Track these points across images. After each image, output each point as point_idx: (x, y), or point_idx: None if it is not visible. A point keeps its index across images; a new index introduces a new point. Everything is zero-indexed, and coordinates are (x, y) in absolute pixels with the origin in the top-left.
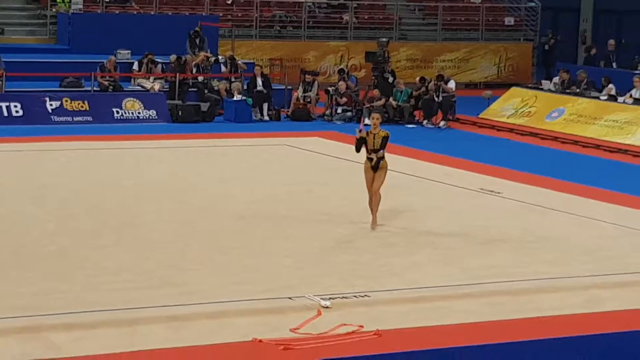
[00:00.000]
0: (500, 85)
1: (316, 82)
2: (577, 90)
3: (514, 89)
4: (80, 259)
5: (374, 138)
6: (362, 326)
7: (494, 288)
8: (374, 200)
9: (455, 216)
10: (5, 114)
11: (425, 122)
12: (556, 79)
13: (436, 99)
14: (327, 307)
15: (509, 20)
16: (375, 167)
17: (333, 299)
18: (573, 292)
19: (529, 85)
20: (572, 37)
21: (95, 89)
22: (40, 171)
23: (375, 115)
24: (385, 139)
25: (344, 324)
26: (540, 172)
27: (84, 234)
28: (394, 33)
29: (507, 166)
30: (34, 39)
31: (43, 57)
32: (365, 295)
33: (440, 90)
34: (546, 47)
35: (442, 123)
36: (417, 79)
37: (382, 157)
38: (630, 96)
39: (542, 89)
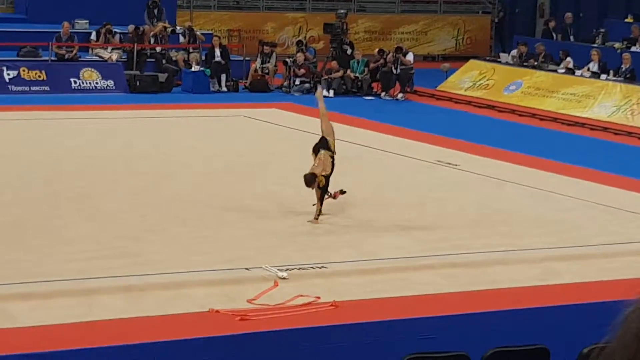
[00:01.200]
0: (459, 58)
1: (274, 54)
2: (535, 63)
3: (472, 62)
4: (36, 229)
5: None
6: (318, 297)
7: (450, 260)
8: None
9: (412, 188)
10: None
11: (383, 94)
12: (514, 52)
13: (394, 71)
14: (283, 278)
15: None
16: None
17: (290, 270)
18: (529, 264)
19: (487, 58)
20: (530, 10)
21: (52, 58)
22: None
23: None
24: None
25: (301, 295)
26: (498, 145)
27: (39, 204)
28: (352, 5)
29: (465, 138)
30: None
31: (0, 27)
32: (322, 267)
33: (399, 62)
34: (496, 20)
35: (400, 95)
36: (376, 50)
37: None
38: (588, 69)
39: (500, 62)
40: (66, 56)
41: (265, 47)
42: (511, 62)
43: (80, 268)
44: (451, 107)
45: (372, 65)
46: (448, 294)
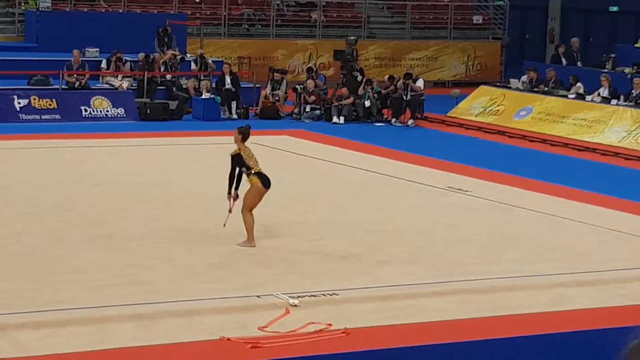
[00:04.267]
0: (469, 84)
1: (284, 80)
2: (545, 88)
3: (482, 88)
4: (47, 257)
5: (247, 154)
6: (330, 324)
7: (462, 286)
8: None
9: (424, 214)
10: None
11: (393, 120)
12: (524, 78)
13: (405, 97)
14: (295, 306)
15: (477, 19)
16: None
17: (301, 297)
18: (540, 290)
19: (497, 84)
20: (540, 36)
21: (63, 87)
22: (7, 169)
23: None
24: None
25: (312, 322)
26: (508, 171)
27: (51, 232)
28: (362, 31)
29: (476, 164)
30: (2, 37)
31: (11, 55)
32: (334, 294)
33: (409, 88)
34: (504, 45)
35: (410, 121)
36: (386, 77)
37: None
38: (598, 94)
39: (510, 88)
40: (77, 84)
41: (275, 74)
42: (521, 87)
43: (92, 296)
44: (462, 133)
45: (383, 92)
46: (459, 320)
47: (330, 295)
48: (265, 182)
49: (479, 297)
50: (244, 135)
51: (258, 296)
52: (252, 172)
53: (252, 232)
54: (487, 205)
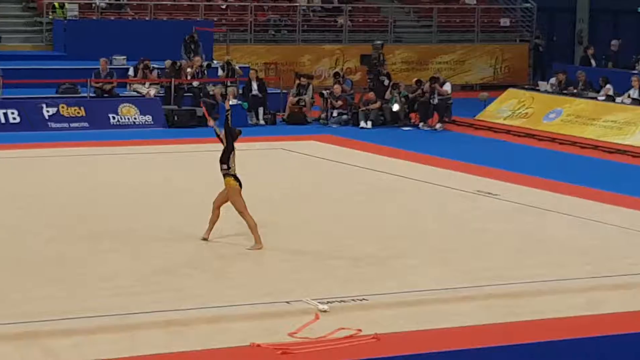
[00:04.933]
0: (497, 87)
1: (311, 86)
2: (575, 90)
3: (510, 91)
4: (78, 265)
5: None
6: (360, 330)
7: (492, 291)
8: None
9: (452, 218)
10: (3, 120)
11: (421, 124)
12: (553, 80)
13: (432, 101)
14: (324, 311)
15: (505, 22)
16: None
17: (331, 302)
18: (572, 294)
19: (526, 87)
20: (569, 38)
21: (91, 95)
22: (37, 178)
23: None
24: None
25: (342, 328)
26: (538, 174)
27: (81, 240)
28: (388, 35)
29: (505, 168)
30: (31, 46)
31: (39, 64)
32: (363, 299)
33: (436, 92)
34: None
35: (438, 125)
36: (414, 81)
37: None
38: (629, 96)
39: (538, 90)
40: (105, 88)
41: (301, 79)
42: (550, 90)
43: (122, 303)
44: (490, 136)
45: (410, 95)
46: (489, 325)
47: (360, 300)
48: (239, 183)
49: (510, 301)
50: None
51: (287, 302)
52: (230, 172)
53: (257, 232)
54: (517, 208)
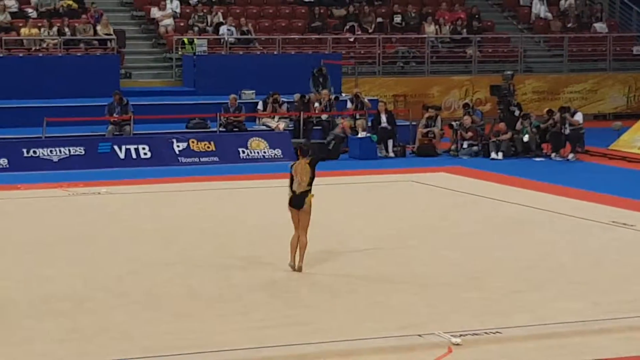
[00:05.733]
0: (631, 116)
1: (439, 117)
2: None
3: None
4: (210, 299)
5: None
6: None
7: (630, 323)
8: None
9: (587, 250)
10: (134, 156)
11: (553, 155)
12: None
13: (563, 131)
14: (457, 345)
15: (638, 49)
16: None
17: (464, 335)
18: None
19: None
20: None
21: (220, 129)
22: (168, 212)
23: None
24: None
25: None
26: None
27: (212, 273)
28: (519, 65)
29: None
30: (160, 81)
31: (169, 100)
32: (497, 332)
33: (566, 122)
34: None
35: (570, 155)
36: (545, 111)
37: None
38: None
39: None
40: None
41: (429, 110)
42: None
43: (255, 337)
44: (624, 166)
45: (542, 126)
46: (628, 358)
47: (494, 333)
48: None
49: None
50: (300, 149)
51: (420, 335)
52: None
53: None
54: None
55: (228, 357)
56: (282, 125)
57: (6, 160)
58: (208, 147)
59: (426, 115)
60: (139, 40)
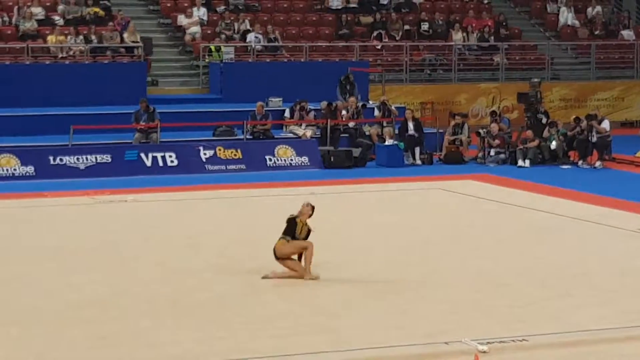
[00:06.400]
0: None
1: (466, 125)
2: None
3: None
4: (236, 306)
5: (301, 227)
6: None
7: None
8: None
9: (614, 257)
10: (161, 164)
11: (580, 162)
12: None
13: (590, 139)
14: (484, 352)
15: None
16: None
17: (490, 343)
18: None
19: None
20: None
21: (247, 137)
22: (195, 219)
23: (307, 208)
24: (309, 233)
25: None
26: None
27: (239, 281)
28: (546, 73)
29: None
30: (187, 89)
31: (196, 107)
32: (523, 339)
33: (593, 130)
34: None
35: (597, 163)
36: (572, 118)
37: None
38: None
39: None
40: (260, 136)
41: (456, 118)
42: None
43: (280, 345)
44: None
45: (569, 133)
46: None
47: (520, 341)
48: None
49: None
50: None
51: (446, 343)
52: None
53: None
54: None
55: None
56: (309, 133)
57: (33, 168)
58: (235, 155)
59: (453, 122)
60: (166, 47)
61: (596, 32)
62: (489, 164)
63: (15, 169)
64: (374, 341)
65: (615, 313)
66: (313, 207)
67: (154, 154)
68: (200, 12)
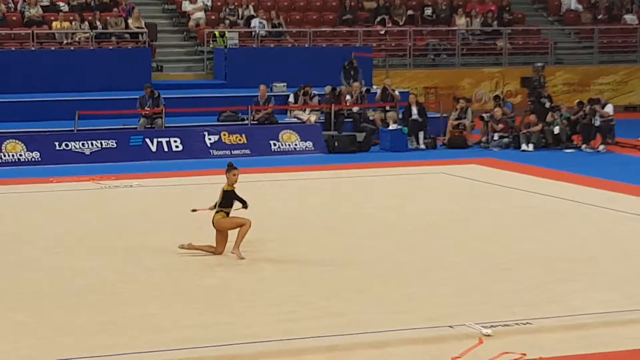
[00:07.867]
0: None
1: (469, 109)
2: None
3: None
4: (242, 291)
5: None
6: (524, 354)
7: None
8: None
9: (618, 241)
10: (166, 149)
11: (583, 146)
12: None
13: (593, 123)
14: (488, 335)
15: None
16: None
17: (494, 326)
18: None
19: None
20: None
21: (252, 122)
22: (200, 204)
23: (232, 175)
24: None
25: (506, 352)
26: None
27: (244, 266)
28: (549, 57)
29: None
30: (192, 74)
31: (201, 92)
32: (527, 323)
33: (597, 114)
34: None
35: (601, 147)
36: (575, 102)
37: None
38: None
39: None
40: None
41: (460, 102)
42: None
43: (286, 329)
44: None
45: (572, 117)
46: None
47: (524, 324)
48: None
49: None
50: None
51: (451, 326)
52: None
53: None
54: None
55: (259, 348)
56: (313, 118)
57: (38, 154)
58: (239, 140)
59: (457, 107)
60: (171, 33)
61: (599, 17)
62: (492, 149)
63: (20, 155)
64: (379, 325)
65: (619, 296)
66: (235, 168)
67: (159, 139)
68: None
